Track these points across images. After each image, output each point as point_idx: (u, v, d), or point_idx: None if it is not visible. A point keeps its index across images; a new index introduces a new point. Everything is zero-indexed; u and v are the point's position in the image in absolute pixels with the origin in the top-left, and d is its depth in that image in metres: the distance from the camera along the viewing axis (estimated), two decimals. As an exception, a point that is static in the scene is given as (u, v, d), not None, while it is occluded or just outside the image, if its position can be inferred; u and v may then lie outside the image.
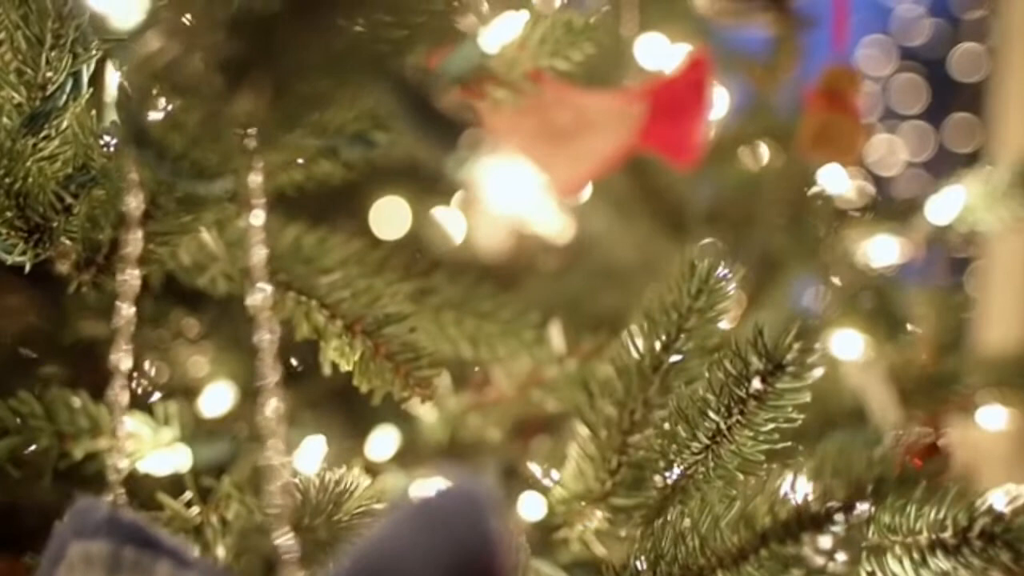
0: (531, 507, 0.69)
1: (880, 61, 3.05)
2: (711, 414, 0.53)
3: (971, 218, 0.92)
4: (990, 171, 0.91)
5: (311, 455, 0.73)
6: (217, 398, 0.88)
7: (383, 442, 0.79)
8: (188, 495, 0.64)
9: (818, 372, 0.49)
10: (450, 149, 0.36)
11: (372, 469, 0.81)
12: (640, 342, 0.59)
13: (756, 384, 0.50)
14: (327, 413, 0.85)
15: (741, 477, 0.53)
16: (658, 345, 0.58)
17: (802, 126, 0.91)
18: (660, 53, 1.09)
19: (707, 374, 0.54)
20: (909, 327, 0.91)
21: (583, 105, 0.79)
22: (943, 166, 2.98)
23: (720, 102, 1.20)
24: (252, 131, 0.36)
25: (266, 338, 0.42)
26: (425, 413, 0.79)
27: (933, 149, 2.99)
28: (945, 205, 0.93)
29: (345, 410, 0.85)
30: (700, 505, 0.52)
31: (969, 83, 2.80)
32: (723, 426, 0.52)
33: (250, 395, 0.92)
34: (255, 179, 0.42)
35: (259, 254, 0.42)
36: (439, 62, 0.64)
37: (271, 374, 0.43)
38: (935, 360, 0.94)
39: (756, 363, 0.50)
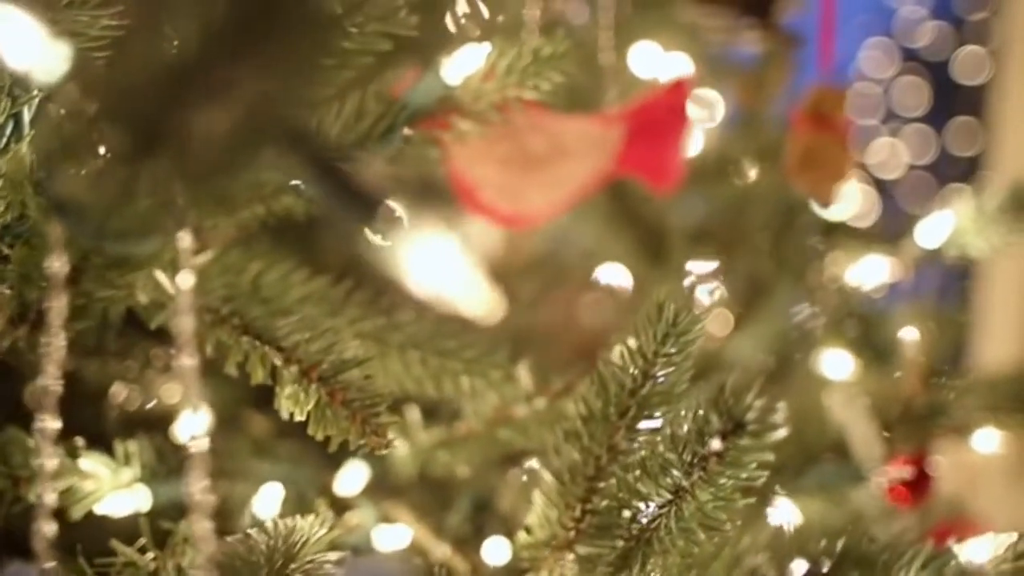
0: (497, 551, 0.67)
1: (883, 63, 3.02)
2: (672, 471, 0.51)
3: (961, 242, 0.90)
4: (980, 195, 0.89)
5: (268, 499, 0.71)
6: (193, 423, 0.87)
7: (353, 476, 0.77)
8: (143, 540, 0.62)
9: (781, 432, 0.47)
10: (365, 222, 0.34)
11: (341, 504, 0.79)
12: (606, 388, 0.57)
13: (715, 444, 0.48)
14: (299, 443, 0.83)
15: (703, 536, 0.51)
16: (624, 391, 0.57)
17: (787, 149, 0.88)
18: (653, 63, 1.07)
19: (668, 430, 0.52)
20: (897, 354, 0.89)
21: (558, 130, 0.77)
22: (945, 169, 2.96)
23: (712, 116, 1.19)
24: (178, 190, 0.34)
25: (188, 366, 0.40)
26: (396, 447, 0.77)
27: (935, 152, 2.96)
28: (934, 229, 0.91)
29: (316, 440, 0.84)
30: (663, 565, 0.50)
31: (972, 86, 2.77)
32: (684, 483, 0.50)
33: (225, 421, 0.91)
34: (184, 238, 0.40)
35: (186, 322, 0.40)
36: (402, 93, 0.62)
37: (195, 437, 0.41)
38: (925, 385, 0.92)
39: (716, 421, 0.48)
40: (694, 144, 1.17)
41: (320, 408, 0.56)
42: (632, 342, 0.56)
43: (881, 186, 3.08)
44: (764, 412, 0.47)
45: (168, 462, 0.74)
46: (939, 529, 1.11)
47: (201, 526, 0.42)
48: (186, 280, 0.41)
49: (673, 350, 0.56)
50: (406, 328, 0.65)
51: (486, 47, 0.60)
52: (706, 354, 1.14)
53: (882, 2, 3.02)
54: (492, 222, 0.78)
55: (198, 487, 0.43)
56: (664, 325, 0.55)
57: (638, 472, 0.53)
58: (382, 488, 0.79)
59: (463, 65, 0.60)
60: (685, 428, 0.50)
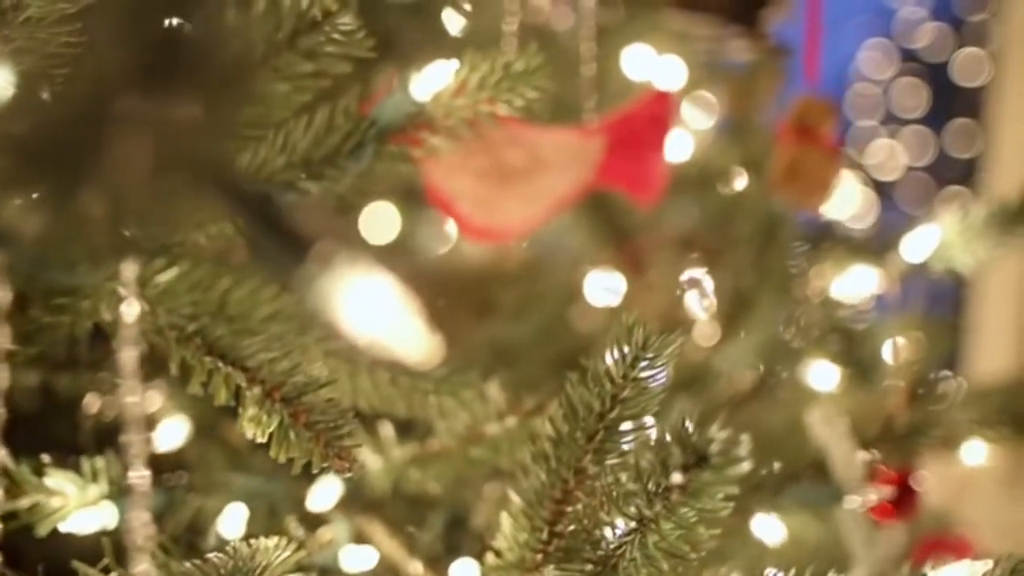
0: (467, 573, 0.66)
1: (882, 64, 3.01)
2: (636, 501, 0.50)
3: (947, 256, 0.89)
4: (966, 209, 0.87)
5: (234, 519, 0.70)
6: (171, 433, 0.86)
7: (326, 490, 0.76)
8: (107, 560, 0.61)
9: (744, 467, 0.46)
10: (295, 265, 0.33)
11: (314, 519, 0.78)
12: (574, 411, 0.56)
13: (677, 477, 0.47)
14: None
15: (666, 566, 0.50)
16: (592, 415, 0.56)
17: (773, 160, 0.87)
18: (645, 66, 1.06)
19: (631, 460, 0.51)
20: (882, 369, 0.88)
21: (536, 143, 0.76)
22: (944, 171, 2.94)
23: (703, 120, 1.18)
24: (112, 222, 0.33)
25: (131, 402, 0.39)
26: (370, 461, 0.76)
27: (934, 154, 2.95)
28: (920, 243, 0.90)
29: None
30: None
31: (971, 88, 2.75)
32: (647, 514, 0.49)
33: (204, 429, 0.90)
34: (129, 268, 0.39)
35: (130, 355, 0.39)
36: (370, 110, 0.61)
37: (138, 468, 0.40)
38: (911, 400, 0.91)
39: (678, 454, 0.47)
40: (682, 150, 1.16)
41: (283, 430, 0.55)
42: (602, 364, 0.55)
43: (879, 187, 3.07)
44: (727, 445, 0.46)
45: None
46: (926, 543, 1.10)
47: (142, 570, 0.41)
48: (130, 311, 0.40)
49: (643, 374, 0.55)
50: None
51: (455, 63, 0.59)
52: (692, 365, 1.13)
53: (882, 3, 3.01)
54: (468, 235, 0.77)
55: (139, 525, 0.42)
56: (634, 348, 0.54)
57: (603, 500, 0.52)
58: (356, 502, 0.78)
59: (432, 81, 0.59)
60: (648, 460, 0.49)
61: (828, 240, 0.96)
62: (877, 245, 0.93)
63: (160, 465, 0.77)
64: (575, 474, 0.56)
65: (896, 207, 3.08)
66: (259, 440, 0.55)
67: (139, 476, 0.42)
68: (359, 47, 0.46)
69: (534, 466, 0.58)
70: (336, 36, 0.44)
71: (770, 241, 0.93)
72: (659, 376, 0.55)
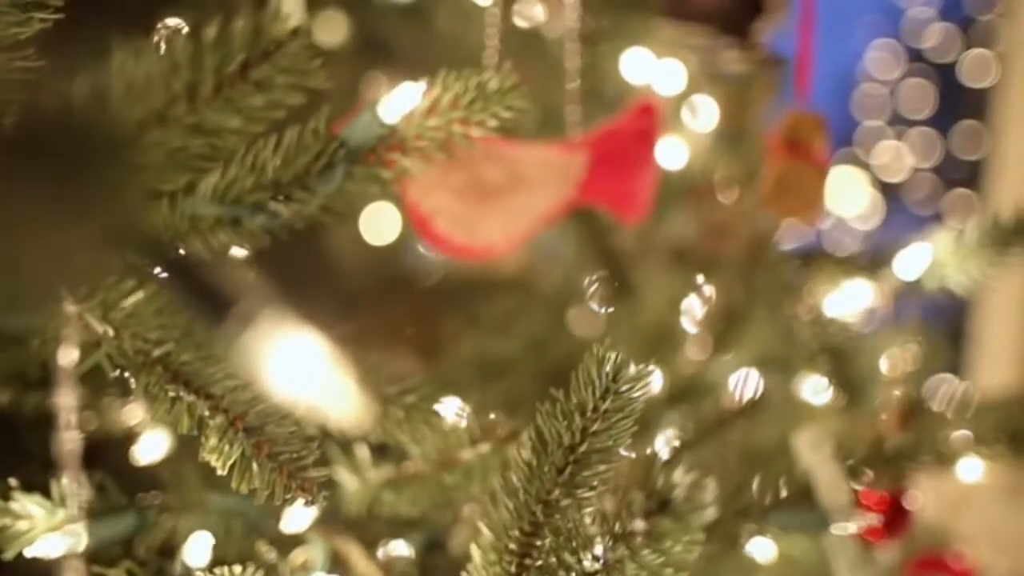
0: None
1: (889, 64, 2.98)
2: (598, 544, 0.48)
3: (940, 273, 0.87)
4: (960, 228, 0.86)
5: (200, 548, 0.69)
6: (152, 446, 0.85)
7: (302, 511, 0.75)
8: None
9: (709, 515, 0.45)
10: (218, 323, 0.32)
11: (290, 540, 0.77)
12: (543, 443, 0.55)
13: (639, 524, 0.45)
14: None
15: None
16: (561, 447, 0.54)
17: (762, 176, 0.86)
18: (646, 69, 1.04)
19: (595, 503, 0.49)
20: (874, 389, 0.86)
21: (517, 159, 0.74)
22: (951, 172, 2.91)
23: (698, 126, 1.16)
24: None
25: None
26: (347, 482, 0.75)
27: (940, 155, 2.92)
28: (913, 261, 0.88)
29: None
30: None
31: (978, 89, 2.72)
32: (611, 557, 0.48)
33: (185, 442, 0.89)
34: (69, 310, 0.38)
35: (67, 399, 0.38)
36: (339, 131, 0.60)
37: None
38: (905, 420, 0.89)
39: (640, 500, 0.46)
40: (677, 157, 1.14)
41: (245, 460, 0.54)
42: (572, 396, 0.54)
43: (886, 188, 3.04)
44: (691, 491, 0.44)
45: (110, 499, 0.72)
46: (920, 561, 1.08)
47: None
48: (67, 357, 0.39)
49: (613, 407, 0.54)
50: (346, 372, 0.63)
51: (425, 83, 0.58)
52: (685, 377, 1.12)
53: (890, 2, 2.97)
54: (447, 254, 0.75)
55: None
56: (605, 379, 0.52)
57: (569, 540, 0.51)
58: (333, 523, 0.77)
59: (402, 102, 0.57)
60: (611, 503, 0.47)
61: (819, 256, 0.94)
62: (870, 261, 0.91)
63: (133, 484, 0.76)
64: (544, 507, 0.55)
65: (903, 208, 3.06)
66: (220, 472, 0.54)
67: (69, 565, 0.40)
68: (314, 78, 0.45)
69: (503, 497, 0.56)
70: (290, 66, 0.43)
71: (759, 256, 0.91)
72: (631, 409, 0.54)
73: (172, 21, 0.40)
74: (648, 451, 0.47)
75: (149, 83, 0.39)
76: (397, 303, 1.29)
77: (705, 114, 1.12)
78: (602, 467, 0.54)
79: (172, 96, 0.40)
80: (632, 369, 0.53)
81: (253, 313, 0.31)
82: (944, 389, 1.04)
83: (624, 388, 0.53)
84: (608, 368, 0.53)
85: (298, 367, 0.33)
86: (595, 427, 0.54)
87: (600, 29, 0.94)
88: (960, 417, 0.98)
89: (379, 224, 1.29)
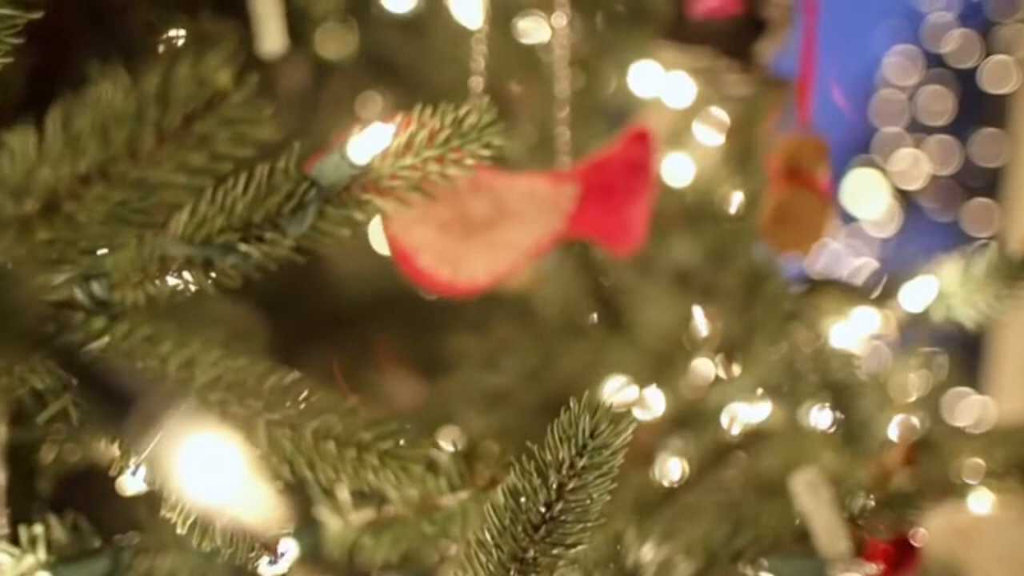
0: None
1: (908, 70, 2.93)
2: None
3: (947, 305, 0.84)
4: (966, 260, 0.82)
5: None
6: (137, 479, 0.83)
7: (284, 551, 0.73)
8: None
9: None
10: (119, 422, 0.30)
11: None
12: (517, 501, 0.52)
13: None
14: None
15: None
16: (536, 505, 0.52)
17: (761, 204, 0.83)
18: (656, 82, 1.01)
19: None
20: (875, 428, 0.83)
21: (502, 190, 0.72)
22: (970, 179, 2.87)
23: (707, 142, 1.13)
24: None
25: None
26: (329, 522, 0.73)
27: (959, 162, 2.87)
28: (919, 292, 0.85)
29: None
30: None
31: (998, 95, 2.67)
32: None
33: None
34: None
35: None
36: (310, 170, 0.58)
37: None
38: (910, 457, 0.85)
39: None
40: (682, 175, 1.12)
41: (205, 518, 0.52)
42: (548, 452, 0.52)
43: (904, 196, 3.00)
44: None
45: (84, 540, 0.70)
46: (928, 595, 1.05)
47: None
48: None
49: (591, 464, 0.51)
50: (322, 416, 0.61)
51: (391, 127, 0.55)
52: (689, 403, 1.09)
53: (910, 6, 2.93)
54: (430, 289, 0.73)
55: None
56: (581, 436, 0.50)
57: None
58: (316, 562, 0.75)
59: (370, 143, 0.55)
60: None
61: (824, 283, 0.91)
62: (876, 291, 0.88)
63: (110, 526, 0.74)
64: (519, 565, 0.53)
65: (922, 216, 3.02)
66: (179, 531, 0.52)
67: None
68: (262, 131, 0.43)
69: (477, 554, 0.54)
70: (235, 118, 0.41)
71: (758, 286, 0.88)
72: (609, 467, 0.51)
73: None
74: (617, 525, 0.44)
75: (88, 138, 0.37)
76: (399, 316, 1.26)
77: (712, 129, 1.10)
78: (579, 526, 0.52)
79: (111, 154, 0.38)
80: (610, 426, 0.51)
81: (157, 415, 0.29)
82: (955, 417, 1.01)
83: (601, 444, 0.51)
84: (584, 424, 0.50)
85: (207, 469, 0.31)
86: (572, 484, 0.51)
87: (597, 52, 0.91)
88: (970, 448, 0.95)
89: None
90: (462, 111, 0.58)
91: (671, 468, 1.03)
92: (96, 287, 0.62)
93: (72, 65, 0.76)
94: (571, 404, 0.51)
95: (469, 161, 0.58)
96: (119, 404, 0.29)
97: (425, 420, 0.96)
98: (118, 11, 0.67)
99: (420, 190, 0.58)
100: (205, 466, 0.31)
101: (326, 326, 1.15)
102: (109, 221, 0.41)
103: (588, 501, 0.52)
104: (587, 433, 0.51)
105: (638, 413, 1.06)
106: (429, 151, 0.57)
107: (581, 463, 0.51)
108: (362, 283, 1.18)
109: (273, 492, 0.35)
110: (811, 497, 0.71)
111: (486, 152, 0.58)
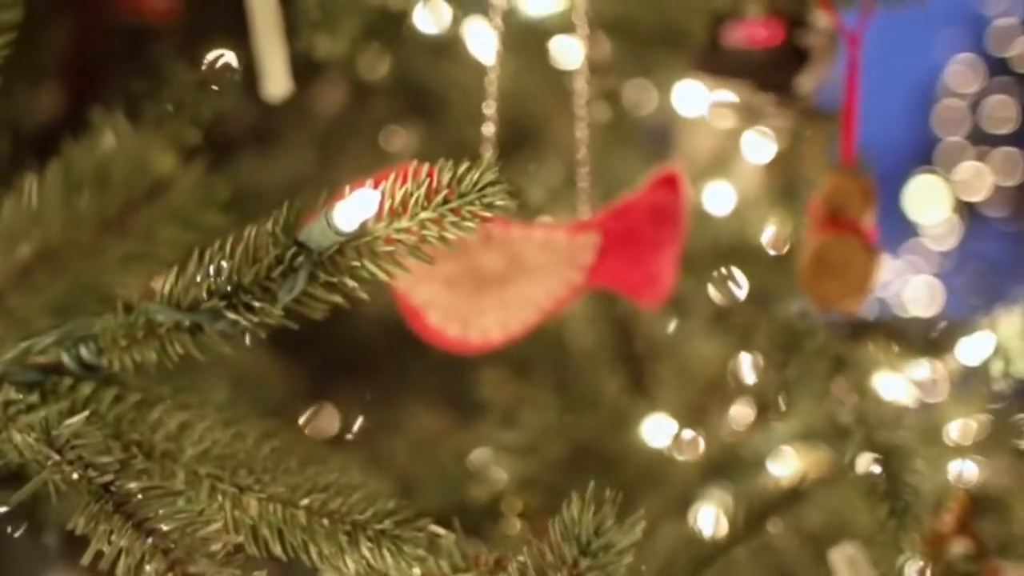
0: None
1: (970, 78, 2.82)
2: None
3: (1006, 358, 0.77)
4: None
5: None
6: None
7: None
8: None
9: None
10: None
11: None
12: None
13: None
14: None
15: None
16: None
17: (800, 251, 0.77)
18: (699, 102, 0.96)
19: None
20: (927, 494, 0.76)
21: (517, 242, 0.67)
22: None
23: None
24: None
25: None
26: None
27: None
28: (976, 347, 0.78)
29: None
30: None
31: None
32: None
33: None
34: None
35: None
36: (300, 233, 0.54)
37: None
38: (966, 523, 0.79)
39: None
40: (723, 205, 1.06)
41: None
42: (548, 555, 0.47)
43: (967, 208, 2.89)
44: None
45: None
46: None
47: None
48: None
49: (594, 565, 0.46)
50: (314, 495, 0.57)
51: (377, 193, 0.51)
52: (727, 448, 1.03)
53: (974, 12, 2.82)
54: (441, 347, 0.69)
55: None
56: (576, 545, 0.45)
57: None
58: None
59: (355, 209, 0.51)
60: None
61: (872, 329, 0.85)
62: (929, 341, 0.81)
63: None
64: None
65: (985, 227, 2.91)
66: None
67: None
68: (209, 216, 0.39)
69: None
70: (181, 209, 0.37)
71: (798, 337, 0.82)
72: (614, 569, 0.47)
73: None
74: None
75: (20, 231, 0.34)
76: (425, 353, 1.23)
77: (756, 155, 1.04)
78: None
79: (44, 248, 0.34)
80: (614, 525, 0.46)
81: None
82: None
83: (605, 545, 0.46)
84: (585, 529, 0.46)
85: None
86: (574, 587, 0.47)
87: (622, 88, 0.86)
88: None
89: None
90: (461, 169, 0.53)
91: (709, 519, 0.98)
92: (84, 351, 0.59)
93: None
94: (573, 498, 0.47)
95: (469, 223, 0.54)
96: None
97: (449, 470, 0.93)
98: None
99: (418, 253, 0.54)
100: None
101: (351, 364, 1.12)
102: (54, 311, 0.37)
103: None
104: (592, 531, 0.46)
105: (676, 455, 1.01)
106: (426, 212, 0.53)
107: (585, 564, 0.46)
108: (389, 319, 1.15)
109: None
110: (851, 573, 0.65)
111: (488, 213, 0.54)
